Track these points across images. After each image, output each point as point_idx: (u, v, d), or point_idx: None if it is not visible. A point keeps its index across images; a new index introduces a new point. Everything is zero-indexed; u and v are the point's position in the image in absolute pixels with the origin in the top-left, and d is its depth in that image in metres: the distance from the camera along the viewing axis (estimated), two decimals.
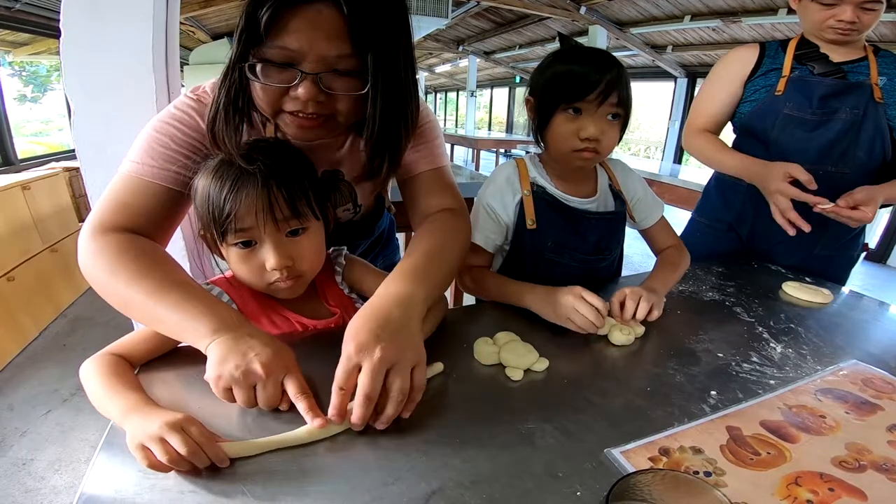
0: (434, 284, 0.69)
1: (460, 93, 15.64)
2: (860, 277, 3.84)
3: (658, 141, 8.21)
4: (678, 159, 7.18)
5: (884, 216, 4.28)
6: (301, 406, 0.54)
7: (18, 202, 2.52)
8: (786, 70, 1.16)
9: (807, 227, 1.04)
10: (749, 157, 1.16)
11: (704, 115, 1.28)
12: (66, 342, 2.41)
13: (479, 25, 8.35)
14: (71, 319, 2.64)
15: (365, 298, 0.84)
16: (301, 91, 0.60)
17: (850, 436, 0.58)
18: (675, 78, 7.27)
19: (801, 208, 1.05)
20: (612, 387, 0.67)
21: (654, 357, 0.76)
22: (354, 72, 0.62)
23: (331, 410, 0.54)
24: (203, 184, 0.65)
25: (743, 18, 4.98)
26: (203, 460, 0.48)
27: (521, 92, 12.23)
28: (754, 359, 0.76)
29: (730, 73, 1.24)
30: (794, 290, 1.03)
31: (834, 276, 1.22)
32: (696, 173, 4.17)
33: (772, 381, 0.70)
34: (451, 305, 0.89)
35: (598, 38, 6.31)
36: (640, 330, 0.80)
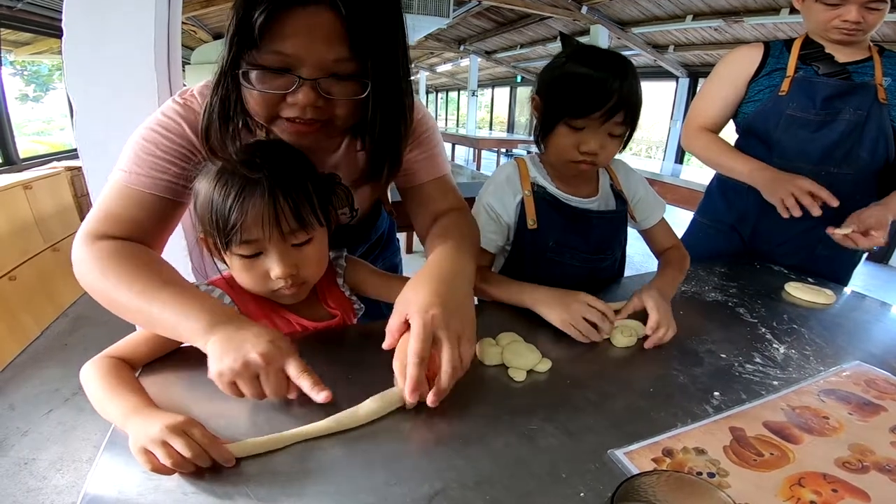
0: (473, 266, 0.72)
1: (461, 92, 15.62)
2: (862, 278, 3.83)
3: (659, 141, 8.20)
4: (679, 159, 7.17)
5: None
6: (305, 384, 0.54)
7: (20, 202, 2.53)
8: (790, 70, 1.15)
9: (817, 212, 1.03)
10: (757, 162, 1.16)
11: (705, 114, 1.27)
12: (67, 341, 2.42)
13: (481, 25, 8.35)
14: (72, 319, 2.65)
15: (367, 299, 0.84)
16: (300, 97, 0.59)
17: (853, 437, 0.58)
18: (676, 78, 7.26)
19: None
20: (614, 388, 0.67)
21: (656, 358, 0.76)
22: (353, 75, 0.60)
23: (409, 384, 0.54)
24: (206, 190, 0.63)
25: (745, 18, 4.97)
26: (206, 461, 0.48)
27: (522, 91, 12.17)
28: (757, 360, 0.76)
29: (733, 73, 1.23)
30: (797, 291, 1.03)
31: (836, 276, 1.21)
32: (698, 173, 4.17)
33: (775, 382, 0.69)
34: None
35: (600, 37, 6.29)
36: (643, 331, 0.80)
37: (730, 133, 1.33)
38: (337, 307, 0.79)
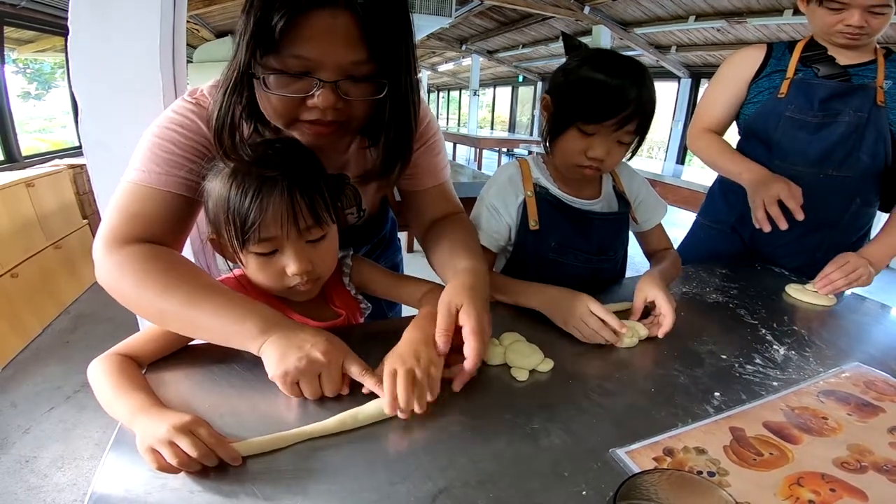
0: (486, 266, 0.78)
1: (463, 92, 15.63)
2: None
3: (661, 141, 8.20)
4: (681, 160, 7.18)
5: (884, 218, 4.25)
6: (369, 382, 0.58)
7: (22, 199, 2.53)
8: (790, 72, 1.15)
9: (784, 225, 1.02)
10: (749, 163, 1.16)
11: (709, 116, 1.28)
12: (69, 339, 2.42)
13: (483, 24, 8.35)
14: (74, 316, 2.65)
15: (373, 299, 0.84)
16: (320, 100, 0.59)
17: (851, 437, 0.58)
18: (678, 78, 7.26)
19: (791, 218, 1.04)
20: (616, 388, 0.67)
21: (658, 359, 0.76)
22: (370, 77, 0.61)
23: (473, 358, 0.62)
24: (219, 190, 0.62)
25: (748, 19, 4.96)
26: (213, 461, 0.48)
27: (523, 91, 12.10)
28: (757, 360, 0.76)
29: (735, 74, 1.23)
30: (797, 293, 1.04)
31: None
32: (699, 174, 4.17)
33: (775, 383, 0.70)
34: None
35: (602, 37, 6.29)
36: (644, 332, 0.80)
37: (734, 135, 1.33)
38: (343, 307, 0.79)
